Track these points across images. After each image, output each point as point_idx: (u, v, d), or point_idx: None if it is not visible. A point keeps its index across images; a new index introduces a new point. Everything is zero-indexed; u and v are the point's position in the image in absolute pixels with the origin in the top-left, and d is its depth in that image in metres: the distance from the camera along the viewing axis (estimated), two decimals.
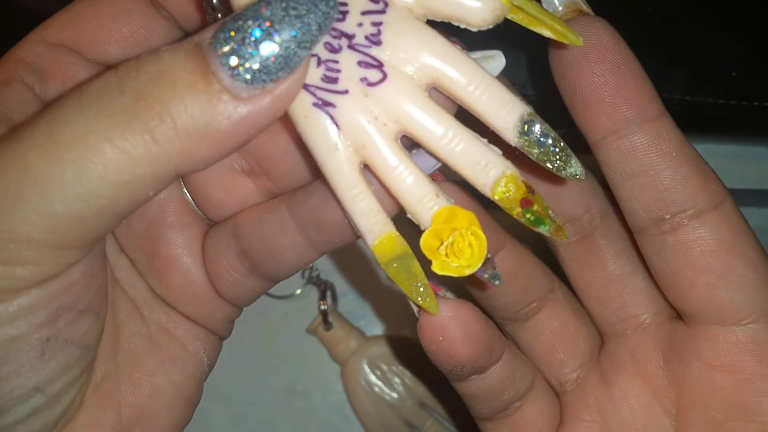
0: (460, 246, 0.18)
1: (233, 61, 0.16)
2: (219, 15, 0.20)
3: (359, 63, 0.18)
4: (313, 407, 0.45)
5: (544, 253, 0.27)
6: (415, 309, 0.22)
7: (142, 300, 0.23)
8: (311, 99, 0.18)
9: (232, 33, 0.16)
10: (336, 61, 0.18)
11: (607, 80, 0.21)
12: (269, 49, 0.16)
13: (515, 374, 0.25)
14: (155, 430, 0.23)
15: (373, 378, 0.43)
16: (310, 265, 0.44)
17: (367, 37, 0.18)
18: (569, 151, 0.19)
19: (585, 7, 0.22)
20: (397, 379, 0.43)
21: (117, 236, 0.24)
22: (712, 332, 0.22)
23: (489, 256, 0.20)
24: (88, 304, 0.19)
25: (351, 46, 0.18)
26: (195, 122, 0.16)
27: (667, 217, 0.22)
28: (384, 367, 0.43)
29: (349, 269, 0.45)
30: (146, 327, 0.23)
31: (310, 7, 0.16)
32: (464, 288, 0.26)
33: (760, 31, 0.36)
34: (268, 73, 0.16)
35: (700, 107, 0.36)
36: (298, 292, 0.44)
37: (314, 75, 0.18)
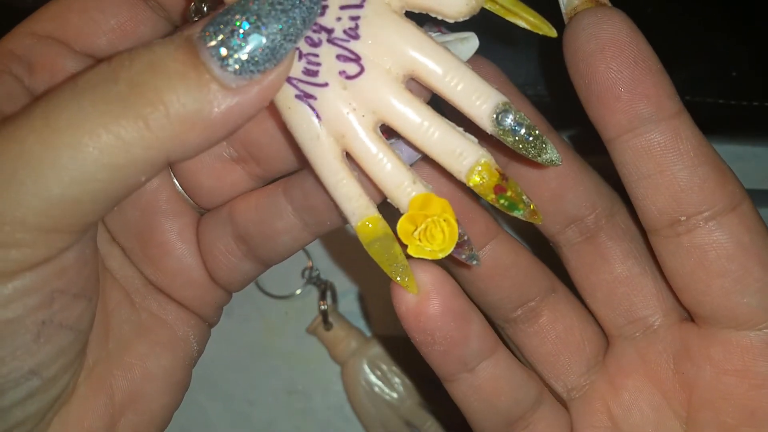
0: (433, 232, 0.19)
1: (222, 52, 0.17)
2: (205, 8, 0.21)
3: (338, 56, 0.19)
4: (313, 407, 0.45)
5: (549, 257, 0.27)
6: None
7: (133, 288, 0.24)
8: (294, 91, 0.19)
9: (222, 26, 0.17)
10: (316, 55, 0.19)
11: (624, 76, 0.20)
12: (257, 41, 0.17)
13: (512, 379, 0.24)
14: (146, 413, 0.23)
15: (373, 378, 0.43)
16: (310, 264, 0.44)
17: (345, 31, 0.19)
18: (544, 138, 0.20)
19: None
20: (397, 379, 0.43)
21: (109, 225, 0.24)
22: (725, 336, 0.22)
23: (466, 238, 0.21)
24: (81, 289, 0.19)
25: (330, 40, 0.19)
26: (186, 110, 0.17)
27: (683, 218, 0.21)
28: (384, 367, 0.43)
29: (349, 269, 0.45)
30: (137, 314, 0.24)
31: (295, 2, 0.17)
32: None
33: (760, 31, 0.36)
34: (255, 64, 0.17)
35: (700, 107, 0.36)
36: (298, 292, 0.44)
37: (296, 68, 0.19)
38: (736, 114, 0.36)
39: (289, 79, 0.19)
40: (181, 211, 0.24)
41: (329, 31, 0.19)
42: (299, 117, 0.19)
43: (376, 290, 0.45)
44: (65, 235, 0.18)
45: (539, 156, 0.20)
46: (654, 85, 0.20)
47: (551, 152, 0.20)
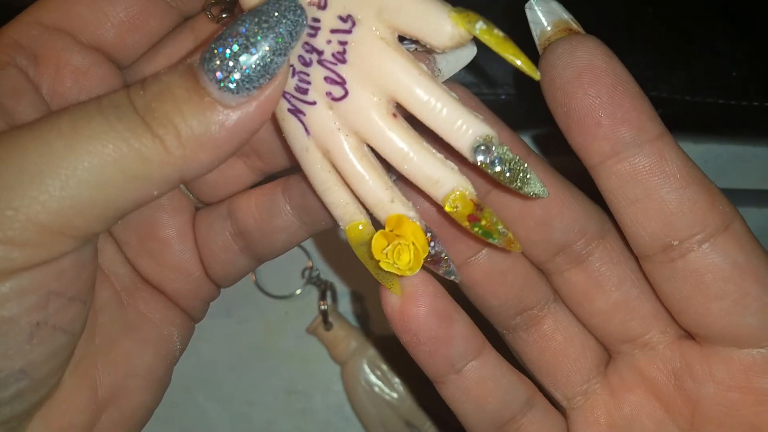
0: (400, 252, 0.20)
1: (218, 75, 0.18)
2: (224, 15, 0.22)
3: (325, 78, 0.20)
4: (313, 407, 0.45)
5: None
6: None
7: (122, 286, 0.24)
8: (287, 105, 0.20)
9: (216, 51, 0.18)
10: (307, 74, 0.20)
11: (603, 101, 0.20)
12: (247, 59, 0.18)
13: (500, 381, 0.24)
14: (127, 410, 0.24)
15: (373, 378, 0.43)
16: (310, 264, 0.44)
17: (333, 55, 0.19)
18: (528, 171, 0.20)
19: (575, 26, 0.21)
20: (397, 379, 0.43)
21: None
22: (726, 354, 0.22)
23: (444, 256, 0.21)
24: (77, 292, 0.20)
25: (320, 62, 0.19)
26: (194, 131, 0.18)
27: (675, 243, 0.21)
28: (384, 367, 0.43)
29: (349, 269, 0.45)
30: (124, 311, 0.24)
31: (279, 18, 0.18)
32: (459, 290, 0.25)
33: (760, 31, 0.36)
34: (250, 81, 0.18)
35: (700, 107, 0.36)
36: (298, 292, 0.44)
37: (290, 83, 0.20)
38: (736, 114, 0.36)
39: (283, 93, 0.20)
40: (181, 207, 0.25)
41: (320, 53, 0.19)
42: (291, 128, 0.20)
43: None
44: (69, 240, 0.18)
45: (522, 189, 0.20)
46: (634, 109, 0.20)
47: (535, 185, 0.20)
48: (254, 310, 0.45)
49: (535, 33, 0.21)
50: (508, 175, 0.20)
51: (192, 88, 0.18)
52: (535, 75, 0.19)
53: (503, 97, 0.34)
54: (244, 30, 0.18)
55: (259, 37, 0.18)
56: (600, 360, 0.25)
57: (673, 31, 0.36)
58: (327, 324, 0.43)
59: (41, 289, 0.18)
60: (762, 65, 0.36)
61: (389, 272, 0.21)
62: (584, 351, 0.25)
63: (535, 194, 0.20)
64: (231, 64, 0.18)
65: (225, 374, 0.45)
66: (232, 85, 0.18)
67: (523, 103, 0.34)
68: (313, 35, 0.19)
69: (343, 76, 0.19)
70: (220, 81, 0.18)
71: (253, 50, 0.18)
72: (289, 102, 0.20)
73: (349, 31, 0.19)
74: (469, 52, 0.21)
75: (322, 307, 0.43)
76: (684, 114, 0.36)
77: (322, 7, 0.19)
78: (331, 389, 0.45)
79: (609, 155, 0.20)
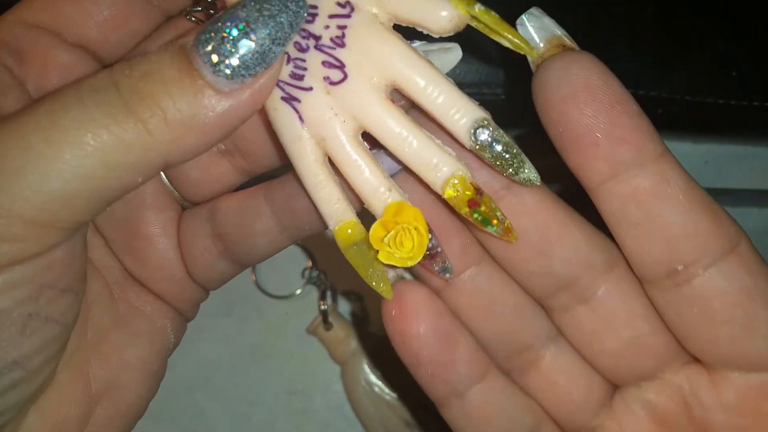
0: (402, 239, 0.20)
1: (214, 58, 0.17)
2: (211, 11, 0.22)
3: (323, 63, 0.19)
4: (313, 407, 0.45)
5: None
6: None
7: (113, 279, 0.24)
8: (280, 93, 0.20)
9: (212, 33, 0.17)
10: (303, 60, 0.19)
11: (600, 121, 0.19)
12: (246, 46, 0.17)
13: (505, 407, 0.23)
14: (122, 403, 0.23)
15: (373, 378, 0.43)
16: (310, 264, 0.44)
17: (332, 39, 0.19)
18: (522, 156, 0.20)
19: (569, 42, 0.20)
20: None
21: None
22: (736, 379, 0.21)
23: (439, 249, 0.21)
24: (68, 284, 0.20)
25: (317, 47, 0.19)
26: (183, 114, 0.18)
27: (680, 267, 0.20)
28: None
29: (349, 269, 0.45)
30: (115, 305, 0.24)
31: (281, 7, 0.18)
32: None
33: (760, 31, 0.36)
34: (246, 68, 0.17)
35: (700, 107, 0.36)
36: (298, 292, 0.44)
37: (284, 71, 0.19)
38: (736, 114, 0.36)
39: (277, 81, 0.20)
40: (166, 205, 0.25)
41: (317, 38, 0.19)
42: (283, 118, 0.20)
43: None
44: (58, 231, 0.18)
45: (516, 174, 0.20)
46: (633, 128, 0.19)
47: (529, 171, 0.20)
48: (254, 310, 0.45)
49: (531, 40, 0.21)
50: (506, 156, 0.19)
51: (184, 70, 0.18)
52: (532, 53, 0.19)
53: (491, 97, 0.34)
54: (244, 15, 0.17)
55: (259, 24, 0.17)
56: (606, 394, 0.24)
57: (673, 31, 0.36)
58: (327, 324, 0.43)
59: (33, 282, 0.18)
60: (762, 65, 0.36)
61: (388, 265, 0.20)
62: (589, 391, 0.23)
63: (529, 180, 0.20)
64: (228, 48, 0.17)
65: (225, 374, 0.45)
66: (227, 70, 0.17)
67: (509, 102, 0.34)
68: (311, 21, 0.19)
69: (342, 60, 0.19)
70: (215, 65, 0.17)
71: (252, 36, 0.17)
72: (283, 90, 0.19)
73: (348, 16, 0.19)
74: (454, 56, 0.21)
75: (322, 307, 0.43)
76: (684, 114, 0.36)
77: None
78: (331, 389, 0.45)
79: (608, 176, 0.20)
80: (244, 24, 0.17)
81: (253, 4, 0.18)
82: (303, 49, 0.19)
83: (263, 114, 0.20)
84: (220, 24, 0.17)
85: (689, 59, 0.35)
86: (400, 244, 0.20)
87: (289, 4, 0.18)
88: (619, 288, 0.22)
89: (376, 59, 0.19)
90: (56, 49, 0.21)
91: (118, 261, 0.25)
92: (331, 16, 0.19)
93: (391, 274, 0.22)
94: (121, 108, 0.17)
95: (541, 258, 0.22)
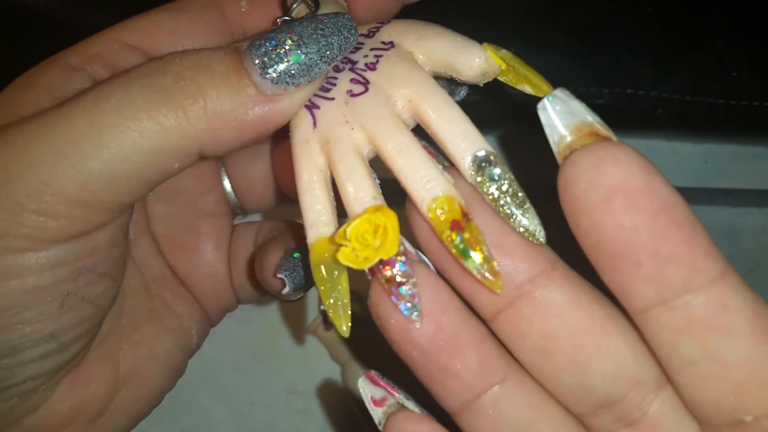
0: (366, 235, 0.18)
1: (264, 61, 0.19)
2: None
3: (351, 80, 0.20)
4: (313, 407, 0.45)
5: None
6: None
7: (151, 276, 0.26)
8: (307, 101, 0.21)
9: (268, 41, 0.19)
10: (335, 77, 0.20)
11: (642, 234, 0.16)
12: (296, 57, 0.19)
13: (532, 417, 0.19)
14: (144, 388, 0.25)
15: None
16: None
17: (366, 64, 0.20)
18: (527, 203, 0.18)
19: (603, 130, 0.17)
20: None
21: (152, 211, 0.26)
22: None
23: (410, 279, 0.18)
24: (107, 269, 0.21)
25: (352, 69, 0.20)
26: (223, 107, 0.19)
27: (749, 419, 0.16)
28: None
29: (349, 269, 0.45)
30: (151, 300, 0.26)
31: (334, 30, 0.19)
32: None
33: (760, 31, 0.36)
34: (291, 77, 0.19)
35: (700, 107, 0.36)
36: None
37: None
38: (736, 114, 0.36)
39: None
40: (224, 214, 0.27)
41: (354, 63, 0.20)
42: (300, 121, 0.20)
43: None
44: (100, 212, 0.19)
45: (514, 219, 0.18)
46: (684, 243, 0.16)
47: (530, 221, 0.18)
48: (254, 310, 0.45)
49: (552, 139, 0.17)
50: (508, 198, 0.18)
51: (233, 67, 0.19)
52: (550, 90, 0.18)
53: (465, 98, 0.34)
54: (300, 30, 0.19)
55: (312, 40, 0.19)
56: None
57: (673, 31, 0.36)
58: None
59: (74, 263, 0.20)
60: (762, 65, 0.36)
61: (346, 266, 0.18)
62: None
63: (529, 231, 0.18)
64: (279, 54, 0.19)
65: (226, 374, 0.45)
66: (273, 74, 0.19)
67: (488, 101, 0.34)
68: (353, 52, 0.21)
69: (368, 78, 0.20)
70: (264, 67, 0.19)
71: (302, 48, 0.19)
72: (310, 101, 0.20)
73: (386, 49, 0.20)
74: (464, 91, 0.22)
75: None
76: (684, 114, 0.36)
77: (369, 36, 0.21)
78: (331, 389, 0.45)
79: (655, 302, 0.16)
80: (298, 37, 0.19)
81: (309, 22, 0.19)
82: (338, 70, 0.20)
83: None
84: (275, 34, 0.19)
85: (689, 59, 0.35)
86: (362, 238, 0.18)
87: (343, 30, 0.19)
88: (673, 409, 0.18)
89: (398, 80, 0.20)
90: None
91: (161, 260, 0.26)
92: (373, 49, 0.20)
93: (391, 401, 0.20)
94: (162, 94, 0.18)
95: (576, 370, 0.18)
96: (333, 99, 0.20)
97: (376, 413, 0.20)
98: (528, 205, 0.18)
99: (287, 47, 0.19)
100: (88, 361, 0.23)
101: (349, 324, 0.19)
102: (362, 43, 0.21)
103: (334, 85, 0.20)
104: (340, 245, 0.18)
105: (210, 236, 0.27)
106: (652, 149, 0.40)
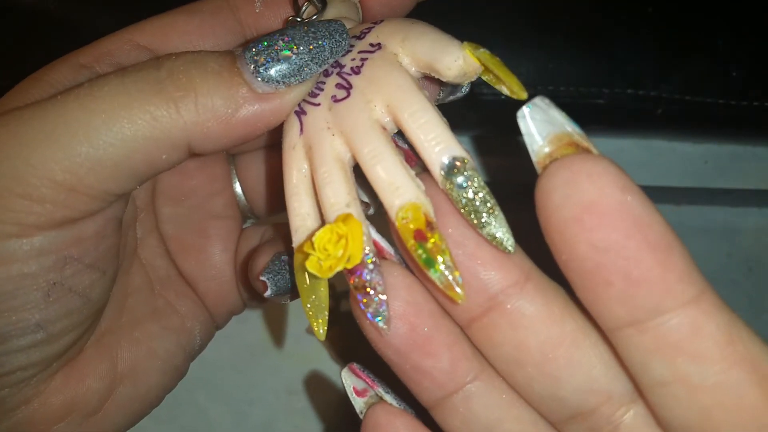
0: (327, 245, 0.18)
1: (256, 61, 0.19)
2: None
3: (337, 84, 0.20)
4: (313, 407, 0.45)
5: None
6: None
7: (156, 277, 0.26)
8: (296, 108, 0.21)
9: (261, 43, 0.19)
10: (324, 82, 0.21)
11: (613, 255, 0.15)
12: (287, 57, 0.19)
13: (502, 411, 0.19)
14: (143, 387, 0.25)
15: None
16: None
17: (352, 68, 0.20)
18: (496, 211, 0.17)
19: (583, 141, 0.17)
20: None
21: (161, 211, 0.26)
22: None
23: (376, 288, 0.18)
24: (95, 261, 0.21)
25: (339, 73, 0.21)
26: (213, 102, 0.19)
27: None
28: None
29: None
30: (154, 299, 0.26)
31: (326, 34, 0.20)
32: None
33: (760, 31, 0.36)
34: (282, 76, 0.19)
35: (700, 107, 0.36)
36: None
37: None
38: (736, 114, 0.36)
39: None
40: (234, 217, 0.27)
41: (341, 66, 0.21)
42: (289, 127, 0.21)
43: None
44: (86, 198, 0.19)
45: (482, 227, 0.17)
46: (658, 264, 0.15)
47: (498, 229, 0.17)
48: (254, 310, 0.45)
49: (531, 149, 0.17)
50: (476, 203, 0.17)
51: (226, 65, 0.19)
52: (524, 96, 0.18)
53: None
54: (292, 33, 0.19)
55: (304, 42, 0.19)
56: None
57: (673, 31, 0.36)
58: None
59: (60, 252, 0.20)
60: (762, 65, 0.36)
61: (311, 275, 0.19)
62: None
63: (497, 239, 0.17)
64: (271, 54, 0.19)
65: (225, 374, 0.45)
66: (265, 73, 0.19)
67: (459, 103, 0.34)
68: (344, 55, 0.21)
69: (352, 83, 0.20)
70: (256, 66, 0.19)
71: (294, 49, 0.19)
72: (299, 106, 0.21)
73: (372, 52, 0.20)
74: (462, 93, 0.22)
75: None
76: (684, 114, 0.36)
77: (360, 38, 0.21)
78: (331, 389, 0.45)
79: (626, 323, 0.16)
80: (290, 39, 0.19)
81: (302, 26, 0.20)
82: (327, 74, 0.21)
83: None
84: (269, 37, 0.19)
85: (689, 59, 0.35)
86: (324, 248, 0.18)
87: (334, 34, 0.20)
88: (647, 425, 0.18)
89: (379, 84, 0.20)
90: None
91: (167, 260, 0.26)
92: (361, 52, 0.21)
93: (371, 392, 0.21)
94: (155, 85, 0.19)
95: (547, 381, 0.18)
96: (319, 105, 0.20)
97: (358, 403, 0.21)
98: (497, 213, 0.17)
99: (280, 48, 0.19)
100: (84, 357, 0.23)
101: (326, 328, 0.19)
102: (353, 46, 0.21)
103: (322, 90, 0.21)
104: (308, 254, 0.18)
105: (218, 238, 0.27)
106: (652, 149, 0.40)
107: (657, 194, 0.43)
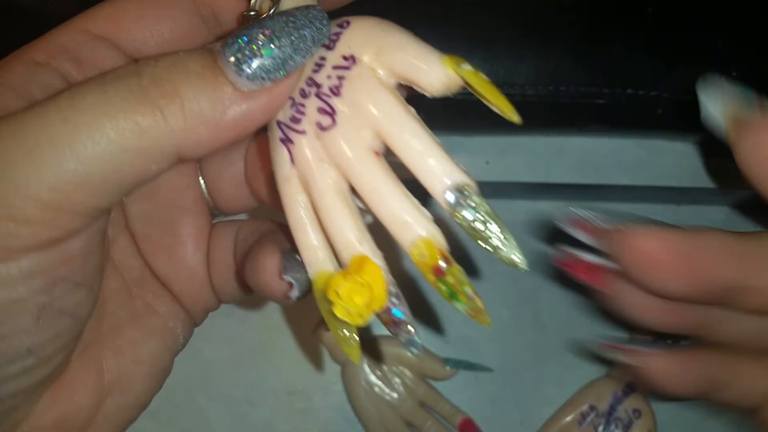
0: (353, 294, 0.19)
1: (238, 57, 0.19)
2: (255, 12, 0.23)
3: (319, 109, 0.20)
4: (313, 407, 0.45)
5: None
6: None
7: (131, 278, 0.25)
8: (279, 134, 0.20)
9: (240, 38, 0.19)
10: (303, 105, 0.20)
11: None
12: (269, 51, 0.19)
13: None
14: (131, 395, 0.24)
15: (373, 378, 0.43)
16: None
17: (330, 88, 0.20)
18: (505, 232, 0.18)
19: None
20: (397, 379, 0.43)
21: (129, 210, 0.25)
22: None
23: (404, 318, 0.19)
24: (83, 278, 0.20)
25: (317, 94, 0.20)
26: (200, 106, 0.18)
27: None
28: (384, 367, 0.43)
29: None
30: (132, 302, 0.25)
31: (306, 22, 0.19)
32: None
33: (760, 30, 0.36)
34: (266, 72, 0.19)
35: (700, 107, 0.36)
36: None
37: (287, 113, 0.20)
38: None
39: (278, 123, 0.20)
40: (202, 212, 0.26)
41: (318, 86, 0.20)
42: (279, 158, 0.20)
43: None
44: (74, 216, 0.18)
45: (494, 253, 0.18)
46: None
47: (511, 252, 0.18)
48: (254, 310, 0.45)
49: (715, 116, 0.20)
50: (481, 228, 0.18)
51: (208, 66, 0.19)
52: (515, 118, 0.18)
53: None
54: (271, 24, 0.19)
55: (284, 33, 0.19)
56: None
57: (673, 31, 0.36)
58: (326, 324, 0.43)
59: (48, 273, 0.19)
60: (762, 65, 0.36)
61: (343, 321, 0.19)
62: None
63: (510, 260, 0.18)
64: (252, 50, 0.19)
65: (225, 374, 0.45)
66: (248, 70, 0.18)
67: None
68: (317, 71, 0.20)
69: (335, 107, 0.20)
70: (238, 63, 0.18)
71: (275, 42, 0.19)
72: (282, 131, 0.20)
73: (348, 68, 0.20)
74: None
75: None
76: (684, 114, 0.36)
77: (330, 47, 0.20)
78: (331, 389, 0.45)
79: None
80: (270, 31, 0.19)
81: (280, 17, 0.19)
82: (305, 95, 0.20)
83: (268, 150, 0.21)
84: (247, 30, 0.19)
85: (689, 59, 0.35)
86: (350, 299, 0.19)
87: (315, 22, 0.19)
88: None
89: (366, 109, 0.19)
90: (115, 60, 0.22)
91: (140, 260, 0.26)
92: (335, 67, 0.20)
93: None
94: (139, 94, 0.18)
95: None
96: (304, 132, 0.20)
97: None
98: (507, 236, 0.18)
99: (260, 42, 0.19)
100: (70, 372, 0.22)
101: (359, 353, 0.20)
102: (324, 58, 0.20)
103: (303, 114, 0.20)
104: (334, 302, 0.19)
105: (189, 236, 0.26)
106: (652, 149, 0.40)
107: (657, 194, 0.43)
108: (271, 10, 0.21)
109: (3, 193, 0.17)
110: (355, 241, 0.19)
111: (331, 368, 0.44)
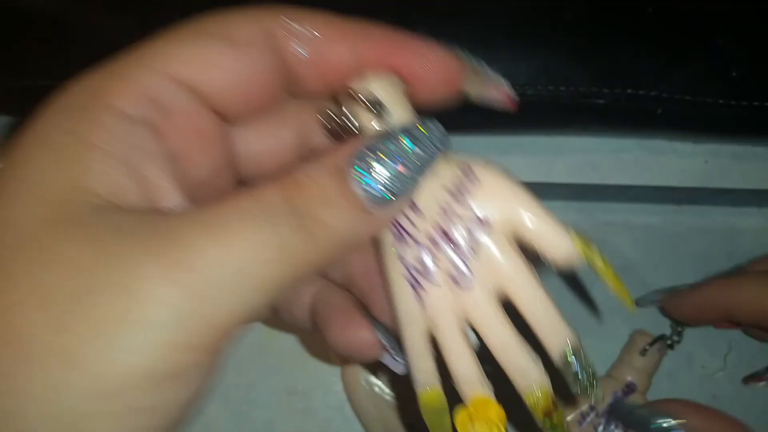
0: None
1: (365, 181, 0.19)
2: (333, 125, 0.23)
3: (455, 267, 0.22)
4: (313, 407, 0.45)
5: None
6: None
7: None
8: (402, 270, 0.22)
9: (368, 157, 0.19)
10: (438, 258, 0.22)
11: None
12: (393, 172, 0.19)
13: None
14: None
15: (373, 378, 0.43)
16: None
17: (467, 249, 0.22)
18: (599, 380, 0.22)
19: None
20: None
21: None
22: None
23: None
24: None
25: (454, 251, 0.22)
26: (340, 231, 0.19)
27: None
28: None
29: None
30: None
31: (432, 148, 0.20)
32: None
33: (760, 30, 0.36)
34: (391, 193, 0.20)
35: (700, 107, 0.36)
36: None
37: (414, 254, 0.22)
38: (736, 114, 0.36)
39: (401, 259, 0.22)
40: None
41: (455, 244, 0.22)
42: (402, 293, 0.23)
43: None
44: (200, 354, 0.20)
45: (585, 395, 0.22)
46: None
47: (597, 393, 0.23)
48: None
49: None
50: (585, 383, 0.22)
51: (341, 192, 0.19)
52: (632, 308, 0.22)
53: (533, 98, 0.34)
54: (401, 149, 0.20)
55: (411, 162, 0.20)
56: None
57: (673, 31, 0.36)
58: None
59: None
60: (762, 65, 0.36)
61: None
62: None
63: (594, 398, 0.22)
64: (381, 173, 0.19)
65: (225, 374, 0.45)
66: (374, 192, 0.19)
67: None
68: (444, 216, 0.22)
69: (473, 269, 0.22)
70: (365, 187, 0.19)
71: (400, 167, 0.20)
72: (409, 272, 0.22)
73: (484, 232, 0.22)
74: None
75: None
76: (684, 114, 0.36)
77: (455, 195, 0.22)
78: (331, 389, 0.45)
79: None
80: (403, 158, 0.20)
81: (407, 137, 0.20)
82: (435, 243, 0.22)
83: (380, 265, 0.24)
84: (373, 148, 0.19)
85: (689, 59, 0.35)
86: None
87: (438, 144, 0.20)
88: None
89: (500, 273, 0.22)
90: (196, 111, 0.21)
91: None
92: (471, 227, 0.22)
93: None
94: (285, 220, 0.18)
95: None
96: (439, 285, 0.22)
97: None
98: (599, 384, 0.22)
99: (390, 168, 0.19)
100: None
101: None
102: (460, 216, 0.22)
103: (437, 266, 0.22)
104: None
105: None
106: (652, 149, 0.40)
107: (657, 194, 0.43)
108: (373, 122, 0.21)
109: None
110: (478, 383, 0.23)
111: (331, 368, 0.44)
